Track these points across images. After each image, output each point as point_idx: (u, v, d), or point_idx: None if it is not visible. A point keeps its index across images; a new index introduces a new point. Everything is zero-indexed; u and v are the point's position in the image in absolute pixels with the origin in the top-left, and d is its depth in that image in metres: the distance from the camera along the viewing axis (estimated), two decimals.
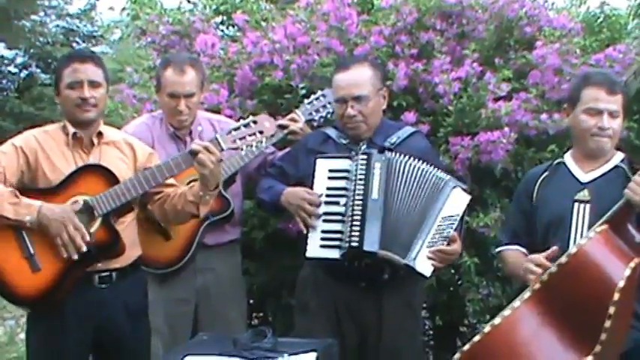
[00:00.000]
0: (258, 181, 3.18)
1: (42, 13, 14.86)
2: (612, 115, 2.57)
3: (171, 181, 2.86)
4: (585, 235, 2.41)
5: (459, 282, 3.68)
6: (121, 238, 2.72)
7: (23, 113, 13.00)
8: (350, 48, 3.58)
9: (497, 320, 2.30)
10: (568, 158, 2.71)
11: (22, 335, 4.48)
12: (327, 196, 2.85)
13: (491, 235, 3.30)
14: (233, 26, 4.37)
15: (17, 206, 2.61)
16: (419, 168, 2.81)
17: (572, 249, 2.32)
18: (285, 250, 3.48)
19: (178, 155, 2.79)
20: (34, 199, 2.65)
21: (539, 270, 2.39)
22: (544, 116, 3.35)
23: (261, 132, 2.77)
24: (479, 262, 3.38)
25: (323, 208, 2.84)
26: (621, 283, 2.18)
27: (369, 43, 3.53)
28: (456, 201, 2.82)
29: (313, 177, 2.88)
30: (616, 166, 2.63)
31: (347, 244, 2.75)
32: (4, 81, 14.84)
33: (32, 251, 2.64)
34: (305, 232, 2.86)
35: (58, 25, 15.14)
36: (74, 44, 14.79)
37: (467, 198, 2.85)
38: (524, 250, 2.71)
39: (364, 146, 2.94)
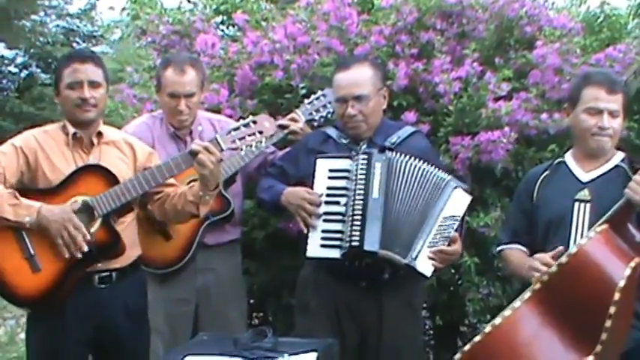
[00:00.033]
0: (258, 181, 3.18)
1: (42, 13, 14.86)
2: (612, 114, 2.57)
3: (171, 180, 2.86)
4: (585, 234, 2.41)
5: (459, 282, 3.68)
6: (121, 239, 2.72)
7: (23, 113, 13.00)
8: (350, 48, 3.58)
9: (497, 320, 2.30)
10: (568, 158, 2.71)
11: (23, 335, 4.47)
12: (328, 195, 2.84)
13: (492, 234, 3.30)
14: (233, 26, 4.37)
15: (17, 207, 2.61)
16: (419, 168, 2.80)
17: (573, 249, 2.32)
18: (285, 250, 3.48)
19: (178, 155, 2.79)
20: (34, 200, 2.65)
21: (545, 269, 2.39)
22: (544, 116, 3.35)
23: (261, 132, 2.76)
24: (479, 262, 3.38)
25: (323, 208, 2.84)
26: (622, 283, 2.18)
27: (369, 43, 3.53)
28: (458, 201, 2.81)
29: (313, 177, 2.88)
30: (616, 166, 2.63)
31: (347, 244, 2.75)
32: (4, 81, 14.84)
33: (32, 252, 2.64)
34: (305, 231, 2.86)
35: (58, 25, 15.14)
36: (74, 44, 14.78)
37: (468, 199, 2.85)
38: (524, 249, 2.71)
39: (364, 146, 2.93)
